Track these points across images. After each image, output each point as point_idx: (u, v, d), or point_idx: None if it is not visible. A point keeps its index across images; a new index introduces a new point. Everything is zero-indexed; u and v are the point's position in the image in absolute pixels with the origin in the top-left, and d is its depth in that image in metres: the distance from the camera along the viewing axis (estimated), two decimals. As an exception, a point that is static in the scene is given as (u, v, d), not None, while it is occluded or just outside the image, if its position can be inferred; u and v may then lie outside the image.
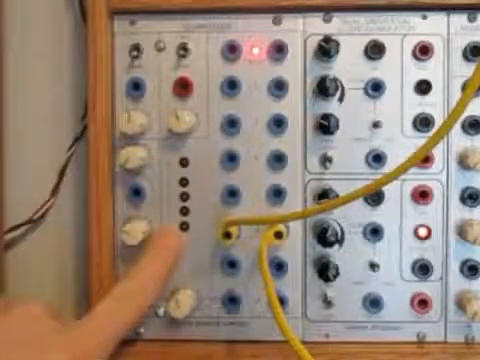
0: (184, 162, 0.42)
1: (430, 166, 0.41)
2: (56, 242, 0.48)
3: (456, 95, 0.41)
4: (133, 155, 0.41)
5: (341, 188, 0.41)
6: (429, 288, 0.42)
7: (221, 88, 0.42)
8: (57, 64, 0.48)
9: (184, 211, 0.42)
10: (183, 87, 0.42)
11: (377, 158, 0.41)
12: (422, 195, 0.41)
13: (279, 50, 0.41)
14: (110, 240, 0.42)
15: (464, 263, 0.41)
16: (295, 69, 0.42)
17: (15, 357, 0.29)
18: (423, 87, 0.41)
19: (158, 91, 0.42)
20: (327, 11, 0.41)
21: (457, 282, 0.42)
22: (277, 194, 0.42)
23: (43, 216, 0.47)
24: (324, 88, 0.40)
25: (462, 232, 0.41)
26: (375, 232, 0.42)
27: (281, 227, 0.41)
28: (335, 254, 0.42)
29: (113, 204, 0.42)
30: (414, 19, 0.41)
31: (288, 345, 0.34)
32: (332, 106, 0.42)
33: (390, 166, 0.41)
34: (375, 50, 0.41)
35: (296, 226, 0.42)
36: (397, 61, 0.41)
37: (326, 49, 0.40)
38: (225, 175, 0.42)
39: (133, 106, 0.42)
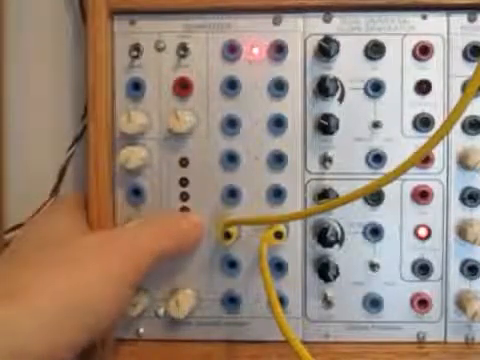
0: (184, 162, 0.42)
1: (430, 166, 0.41)
2: (56, 242, 0.48)
3: (456, 95, 0.41)
4: (133, 155, 0.41)
5: (341, 188, 0.41)
6: (429, 288, 0.42)
7: (221, 88, 0.42)
8: (57, 64, 0.48)
9: (184, 211, 0.42)
10: (183, 87, 0.42)
11: (377, 158, 0.41)
12: (422, 195, 0.41)
13: (279, 50, 0.41)
14: (110, 240, 0.42)
15: (464, 263, 0.41)
16: (295, 69, 0.42)
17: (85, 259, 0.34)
18: (423, 87, 0.41)
19: (158, 91, 0.42)
20: (327, 11, 0.41)
21: (457, 282, 0.42)
22: (277, 194, 0.42)
23: (43, 216, 0.47)
24: (324, 88, 0.40)
25: (462, 232, 0.41)
26: (375, 232, 0.42)
27: (281, 227, 0.41)
28: (335, 254, 0.42)
29: (113, 204, 0.42)
30: (414, 19, 0.41)
31: (288, 345, 0.35)
32: (332, 106, 0.42)
33: (390, 166, 0.41)
34: (375, 50, 0.41)
35: (296, 226, 0.42)
36: (397, 61, 0.41)
37: (326, 49, 0.40)
38: (225, 175, 0.42)
39: (133, 106, 0.42)
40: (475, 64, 0.37)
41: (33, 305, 0.31)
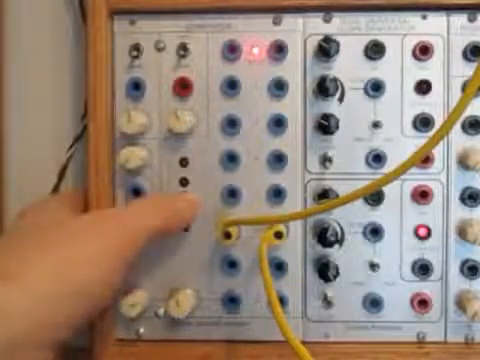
0: (184, 162, 0.42)
1: (430, 166, 0.41)
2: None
3: (456, 95, 0.41)
4: (133, 155, 0.41)
5: (341, 188, 0.41)
6: (429, 288, 0.42)
7: (221, 88, 0.42)
8: (57, 64, 0.48)
9: (184, 211, 0.42)
10: (183, 87, 0.42)
11: (377, 158, 0.41)
12: (422, 195, 0.41)
13: (279, 50, 0.41)
14: (110, 240, 0.42)
15: (464, 263, 0.41)
16: (295, 69, 0.42)
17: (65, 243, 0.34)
18: (423, 87, 0.41)
19: (158, 91, 0.42)
20: (327, 11, 0.41)
21: (457, 282, 0.42)
22: (277, 194, 0.42)
23: (43, 216, 0.47)
24: (324, 88, 0.40)
25: (462, 232, 0.41)
26: (375, 232, 0.42)
27: (281, 227, 0.41)
28: (335, 254, 0.42)
29: (113, 204, 0.42)
30: (414, 19, 0.41)
31: (288, 345, 0.35)
32: (332, 106, 0.42)
33: (390, 166, 0.41)
34: (375, 50, 0.41)
35: (296, 226, 0.42)
36: (397, 61, 0.41)
37: (326, 49, 0.40)
38: (225, 175, 0.42)
39: (133, 106, 0.42)
40: (475, 64, 0.37)
41: (29, 286, 0.30)
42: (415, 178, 0.41)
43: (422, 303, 0.42)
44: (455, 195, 0.42)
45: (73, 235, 0.35)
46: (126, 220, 0.37)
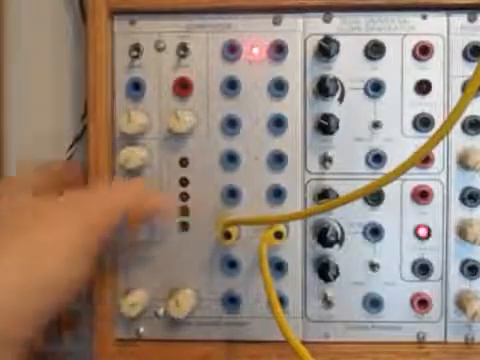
0: (184, 162, 0.42)
1: (430, 166, 0.41)
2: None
3: (456, 95, 0.41)
4: (133, 155, 0.41)
5: (341, 188, 0.41)
6: (429, 288, 0.42)
7: (221, 88, 0.42)
8: (57, 64, 0.48)
9: (184, 211, 0.42)
10: (183, 87, 0.42)
11: (377, 158, 0.41)
12: (422, 195, 0.41)
13: (279, 50, 0.41)
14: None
15: (464, 263, 0.41)
16: (295, 69, 0.42)
17: (34, 233, 0.32)
18: (423, 87, 0.41)
19: (158, 91, 0.42)
20: (327, 11, 0.41)
21: (457, 282, 0.42)
22: (277, 194, 0.42)
23: (43, 216, 0.47)
24: (324, 88, 0.40)
25: (462, 232, 0.41)
26: (375, 232, 0.42)
27: (281, 227, 0.41)
28: (335, 254, 0.42)
29: (113, 204, 0.42)
30: (414, 19, 0.41)
31: (288, 345, 0.35)
32: (332, 106, 0.42)
33: (390, 166, 0.41)
34: (375, 50, 0.41)
35: (296, 226, 0.42)
36: (397, 61, 0.41)
37: (326, 49, 0.40)
38: (225, 175, 0.42)
39: (133, 106, 0.42)
40: (475, 64, 0.37)
41: None
42: (415, 178, 0.41)
43: (422, 303, 0.42)
44: (455, 195, 0.42)
45: (46, 218, 0.33)
46: (105, 197, 0.36)
